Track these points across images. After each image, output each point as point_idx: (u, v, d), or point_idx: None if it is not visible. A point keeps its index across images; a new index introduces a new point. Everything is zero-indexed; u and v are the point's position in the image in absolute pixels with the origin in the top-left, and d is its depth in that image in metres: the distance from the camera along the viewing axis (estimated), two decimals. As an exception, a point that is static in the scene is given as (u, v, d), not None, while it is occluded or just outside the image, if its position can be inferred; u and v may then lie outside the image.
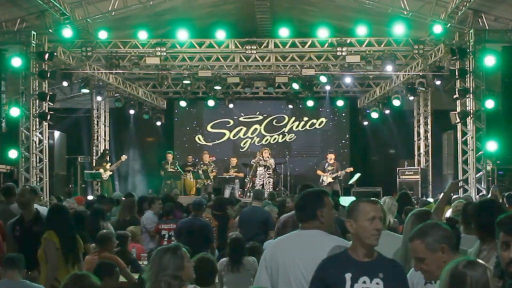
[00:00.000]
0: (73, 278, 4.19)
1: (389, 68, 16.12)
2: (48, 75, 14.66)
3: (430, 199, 14.65)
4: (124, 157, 18.68)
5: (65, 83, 16.85)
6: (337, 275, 3.39)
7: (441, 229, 3.17)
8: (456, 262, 2.68)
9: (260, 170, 18.08)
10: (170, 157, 18.73)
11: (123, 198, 11.92)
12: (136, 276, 6.56)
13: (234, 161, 18.68)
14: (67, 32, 14.53)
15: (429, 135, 20.11)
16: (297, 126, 22.09)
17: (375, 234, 3.46)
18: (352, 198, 15.33)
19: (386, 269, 3.43)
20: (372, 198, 3.63)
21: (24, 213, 6.88)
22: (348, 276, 3.39)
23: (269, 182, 18.01)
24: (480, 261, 2.65)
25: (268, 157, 18.15)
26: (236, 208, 11.32)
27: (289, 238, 3.97)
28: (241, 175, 18.45)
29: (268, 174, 18.07)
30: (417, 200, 14.33)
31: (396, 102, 18.99)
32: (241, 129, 22.04)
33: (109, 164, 18.49)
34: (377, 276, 3.40)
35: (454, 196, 10.94)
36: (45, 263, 6.02)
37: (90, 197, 16.41)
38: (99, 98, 20.00)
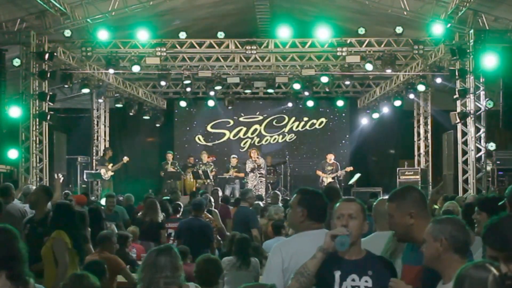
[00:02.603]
0: (72, 278, 4.18)
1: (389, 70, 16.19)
2: (48, 75, 14.66)
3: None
4: (125, 159, 18.66)
5: (65, 84, 16.84)
6: (327, 274, 3.43)
7: (454, 226, 3.16)
8: (464, 265, 2.67)
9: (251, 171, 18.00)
10: (170, 156, 18.74)
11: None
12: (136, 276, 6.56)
13: (234, 161, 18.64)
14: (67, 32, 14.52)
15: (429, 135, 20.10)
16: (297, 126, 22.09)
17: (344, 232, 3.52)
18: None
19: (375, 267, 3.47)
20: (350, 197, 3.72)
21: (35, 213, 6.87)
22: (337, 274, 3.43)
23: (261, 182, 17.91)
24: (488, 265, 2.62)
25: (257, 157, 18.01)
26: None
27: (307, 238, 3.86)
28: (242, 175, 18.41)
29: (260, 174, 17.95)
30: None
31: (396, 102, 19.02)
32: (241, 129, 22.05)
33: (111, 164, 18.49)
34: (366, 273, 3.44)
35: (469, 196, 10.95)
36: (52, 262, 5.94)
37: (92, 197, 16.40)
38: (99, 99, 20.01)
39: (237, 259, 6.77)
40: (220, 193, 13.40)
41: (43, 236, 6.26)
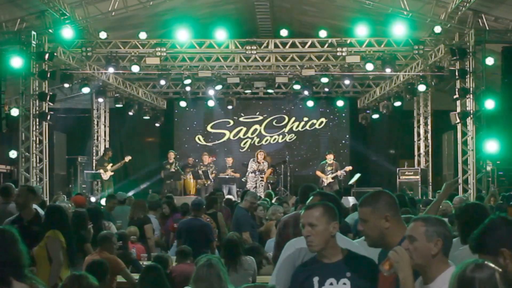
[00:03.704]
0: (71, 279, 4.18)
1: (388, 70, 16.17)
2: (48, 75, 14.64)
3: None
4: (128, 158, 18.66)
5: (65, 84, 16.85)
6: (306, 281, 3.45)
7: (446, 228, 3.13)
8: (464, 266, 2.65)
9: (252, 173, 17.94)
10: (171, 155, 18.65)
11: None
12: (136, 276, 6.54)
13: (230, 161, 18.67)
14: (67, 32, 14.51)
15: (429, 135, 20.10)
16: (297, 126, 22.09)
17: (307, 241, 3.51)
18: (352, 199, 15.34)
19: (354, 268, 3.45)
20: (313, 203, 3.66)
21: (22, 213, 6.82)
22: (315, 279, 3.44)
23: (261, 185, 17.86)
24: (489, 263, 2.63)
25: (262, 160, 17.95)
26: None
27: None
28: (238, 175, 18.42)
29: (261, 177, 17.90)
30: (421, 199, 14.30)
31: (396, 103, 19.01)
32: (241, 129, 22.05)
33: (110, 164, 18.47)
34: (344, 276, 3.43)
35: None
36: (46, 261, 5.98)
37: (93, 199, 16.38)
38: (99, 99, 20.02)
39: (227, 262, 6.72)
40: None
41: (38, 235, 6.26)
